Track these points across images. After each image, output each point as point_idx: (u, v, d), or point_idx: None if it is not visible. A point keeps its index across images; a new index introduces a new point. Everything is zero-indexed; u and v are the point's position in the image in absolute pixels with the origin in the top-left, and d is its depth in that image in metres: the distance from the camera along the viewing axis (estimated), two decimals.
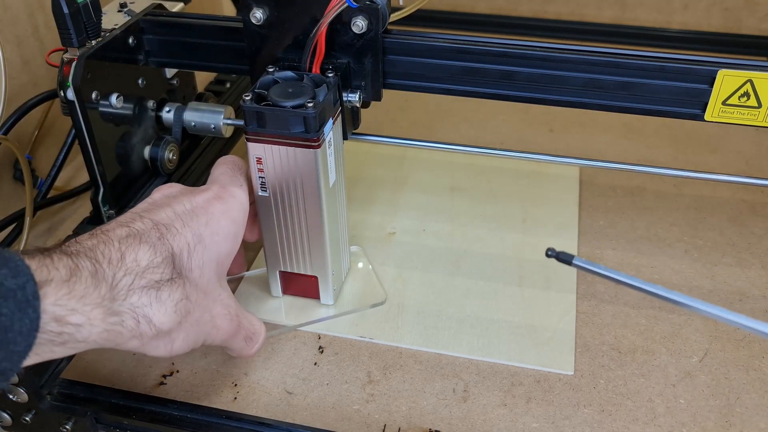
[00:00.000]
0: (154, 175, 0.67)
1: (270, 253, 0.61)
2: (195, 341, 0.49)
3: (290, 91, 0.53)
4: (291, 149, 0.53)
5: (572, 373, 0.58)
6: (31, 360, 0.39)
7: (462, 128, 0.88)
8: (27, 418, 0.52)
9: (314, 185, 0.55)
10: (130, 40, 0.61)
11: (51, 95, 0.72)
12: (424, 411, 0.55)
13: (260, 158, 0.54)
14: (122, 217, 0.48)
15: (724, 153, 0.83)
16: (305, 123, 0.52)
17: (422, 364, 0.59)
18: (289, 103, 0.52)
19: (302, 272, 0.61)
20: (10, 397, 0.51)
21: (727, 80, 0.52)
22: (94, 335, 0.41)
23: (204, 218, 0.50)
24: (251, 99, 0.53)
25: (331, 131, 0.55)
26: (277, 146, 0.53)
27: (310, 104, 0.51)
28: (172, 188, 0.53)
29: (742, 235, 0.72)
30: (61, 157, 0.74)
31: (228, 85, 0.85)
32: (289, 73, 0.55)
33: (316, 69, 0.56)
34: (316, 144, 0.52)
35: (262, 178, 0.55)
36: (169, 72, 0.67)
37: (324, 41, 0.55)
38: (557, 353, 0.60)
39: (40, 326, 0.38)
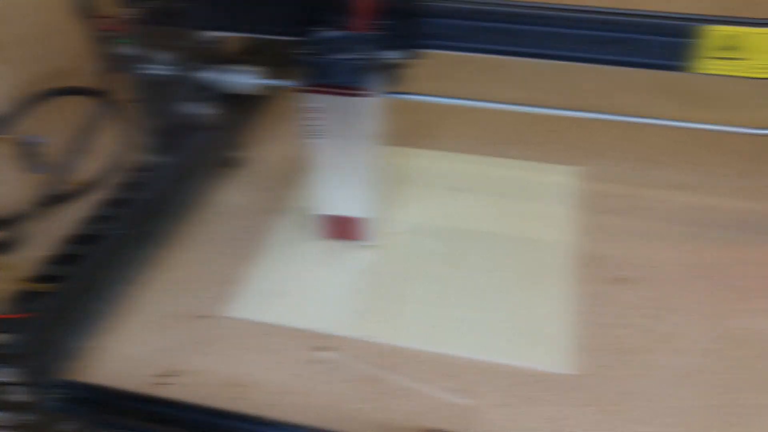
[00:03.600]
0: (194, 127, 0.72)
1: (320, 197, 0.66)
2: None
3: (340, 46, 0.59)
4: (341, 98, 0.59)
5: (572, 373, 0.58)
6: None
7: (462, 128, 0.88)
8: (27, 418, 0.52)
9: (361, 131, 0.61)
10: (177, 5, 0.65)
11: (50, 93, 0.72)
12: (424, 410, 0.55)
13: (313, 107, 0.60)
14: None
15: (724, 153, 0.83)
16: (355, 73, 0.58)
17: (422, 363, 0.59)
18: (340, 56, 0.58)
19: (347, 214, 0.67)
20: (11, 397, 0.51)
21: (712, 35, 0.57)
22: None
23: None
24: (307, 53, 0.59)
25: (376, 83, 0.60)
26: (328, 95, 0.59)
27: (359, 57, 0.58)
28: None
29: (742, 233, 0.72)
30: (70, 162, 0.77)
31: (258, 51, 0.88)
32: (338, 33, 0.60)
33: (361, 29, 0.60)
34: (364, 93, 0.58)
35: (316, 125, 0.61)
36: (209, 36, 0.71)
37: (369, 5, 0.60)
38: (557, 353, 0.60)
39: None
